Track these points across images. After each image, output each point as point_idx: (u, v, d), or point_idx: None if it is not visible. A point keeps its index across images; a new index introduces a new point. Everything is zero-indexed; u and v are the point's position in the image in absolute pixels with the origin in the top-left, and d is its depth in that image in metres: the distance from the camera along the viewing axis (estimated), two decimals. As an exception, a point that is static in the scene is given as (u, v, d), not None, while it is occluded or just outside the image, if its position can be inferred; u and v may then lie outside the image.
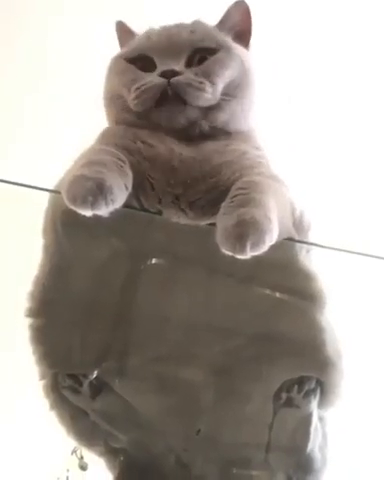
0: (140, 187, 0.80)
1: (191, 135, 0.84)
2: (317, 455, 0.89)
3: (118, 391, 0.87)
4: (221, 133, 0.86)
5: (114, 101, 0.88)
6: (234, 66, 0.86)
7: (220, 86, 0.84)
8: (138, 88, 0.83)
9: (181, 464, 0.89)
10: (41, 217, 0.85)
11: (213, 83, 0.83)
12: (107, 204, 0.72)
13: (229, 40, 0.89)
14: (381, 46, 1.53)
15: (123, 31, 0.94)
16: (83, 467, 1.05)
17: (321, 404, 0.88)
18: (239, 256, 0.70)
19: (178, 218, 0.82)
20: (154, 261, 0.86)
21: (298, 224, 0.83)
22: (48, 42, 1.49)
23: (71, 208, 0.71)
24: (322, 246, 0.86)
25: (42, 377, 0.89)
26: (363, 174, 1.50)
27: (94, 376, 0.86)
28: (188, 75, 0.83)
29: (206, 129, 0.85)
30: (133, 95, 0.84)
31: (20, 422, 1.12)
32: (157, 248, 0.85)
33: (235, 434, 0.88)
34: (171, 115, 0.83)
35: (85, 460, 1.05)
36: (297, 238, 0.82)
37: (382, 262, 0.91)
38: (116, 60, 0.90)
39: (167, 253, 0.85)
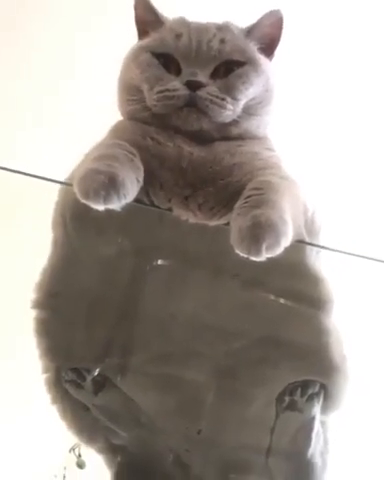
0: (150, 185, 0.79)
1: (201, 137, 0.83)
2: (317, 460, 0.89)
3: (120, 387, 0.87)
4: (233, 138, 0.85)
5: (130, 92, 0.86)
6: (259, 83, 0.85)
7: (242, 103, 0.83)
8: (161, 92, 0.81)
9: (180, 464, 0.89)
10: (52, 208, 0.84)
11: (235, 99, 0.82)
12: (119, 198, 0.71)
13: (257, 53, 0.87)
14: (381, 46, 1.53)
15: (142, 8, 0.88)
16: (80, 465, 1.05)
17: (324, 409, 0.88)
18: (254, 258, 0.69)
19: (187, 217, 0.81)
20: (160, 261, 0.85)
21: (310, 225, 0.82)
22: (65, 39, 1.48)
23: (81, 202, 0.71)
24: (331, 249, 0.85)
25: (45, 371, 0.89)
26: (375, 176, 1.50)
27: (97, 372, 0.86)
28: (212, 89, 0.81)
29: (217, 137, 0.84)
30: (155, 97, 0.82)
31: (19, 419, 1.12)
32: (164, 247, 0.85)
33: (236, 436, 0.87)
34: (187, 122, 0.82)
35: (83, 458, 1.04)
36: (308, 239, 0.82)
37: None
38: (140, 50, 0.87)
39: (174, 252, 0.84)
